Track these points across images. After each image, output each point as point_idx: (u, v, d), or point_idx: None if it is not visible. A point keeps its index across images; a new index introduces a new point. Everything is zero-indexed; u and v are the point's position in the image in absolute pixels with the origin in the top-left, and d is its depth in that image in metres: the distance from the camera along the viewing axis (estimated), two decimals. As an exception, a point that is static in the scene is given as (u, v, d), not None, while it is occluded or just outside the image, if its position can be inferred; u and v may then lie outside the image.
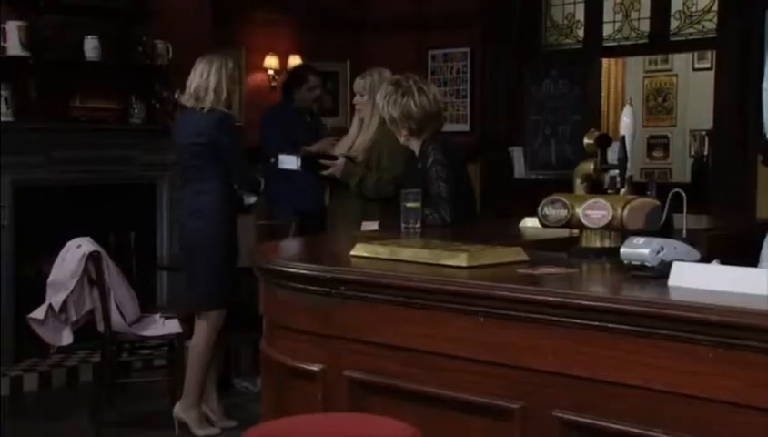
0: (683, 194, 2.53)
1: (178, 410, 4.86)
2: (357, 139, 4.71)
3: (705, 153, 8.04)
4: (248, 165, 5.06)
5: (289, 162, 4.86)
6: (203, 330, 4.81)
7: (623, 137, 2.82)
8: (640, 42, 7.47)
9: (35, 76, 6.09)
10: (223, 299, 4.82)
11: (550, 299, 2.19)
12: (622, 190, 2.78)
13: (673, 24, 7.20)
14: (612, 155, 2.82)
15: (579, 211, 2.62)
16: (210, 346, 4.83)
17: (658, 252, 2.29)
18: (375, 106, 4.40)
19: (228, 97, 4.79)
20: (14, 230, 6.07)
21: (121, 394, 5.43)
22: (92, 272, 4.79)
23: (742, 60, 6.39)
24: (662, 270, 2.26)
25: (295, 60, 8.02)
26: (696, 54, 9.21)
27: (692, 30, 7.16)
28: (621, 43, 7.57)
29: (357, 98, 4.74)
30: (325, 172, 4.61)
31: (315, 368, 2.66)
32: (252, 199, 4.91)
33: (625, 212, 2.53)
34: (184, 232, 4.96)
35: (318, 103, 6.43)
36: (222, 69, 4.76)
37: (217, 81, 4.74)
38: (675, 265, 2.22)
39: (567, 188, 2.89)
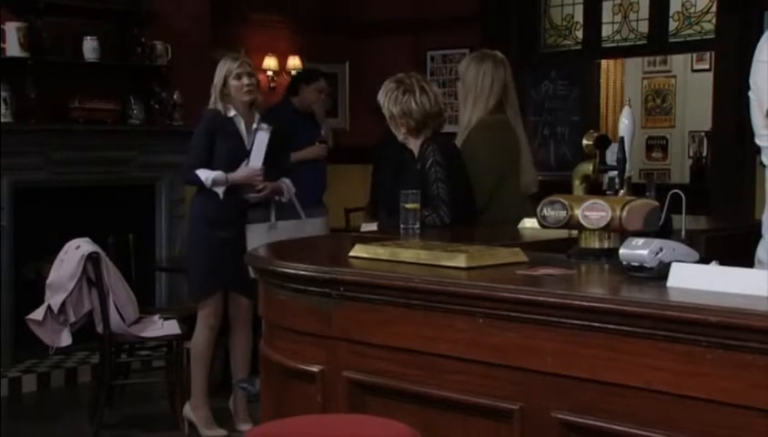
0: (682, 195, 2.52)
1: (187, 410, 4.86)
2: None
3: (704, 154, 8.06)
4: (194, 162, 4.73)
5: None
6: (197, 326, 4.81)
7: (622, 138, 2.81)
8: (638, 43, 7.48)
9: (34, 77, 6.08)
10: (200, 293, 4.79)
11: (550, 300, 2.18)
12: (621, 191, 2.77)
13: (672, 25, 7.21)
14: (611, 156, 2.82)
15: (578, 212, 2.62)
16: (208, 344, 4.80)
17: (657, 253, 2.28)
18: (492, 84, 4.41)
19: (229, 97, 4.74)
20: (13, 231, 6.07)
21: (120, 395, 5.44)
22: (91, 273, 4.79)
23: (740, 61, 6.38)
24: (661, 271, 2.25)
25: (294, 61, 8.01)
26: (695, 55, 9.23)
27: (690, 31, 7.17)
28: (619, 44, 7.58)
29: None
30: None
31: (314, 369, 2.66)
32: (251, 196, 4.80)
33: (624, 213, 2.53)
34: None
35: (320, 110, 6.37)
36: (222, 69, 4.73)
37: (217, 81, 4.75)
38: (674, 266, 2.22)
39: (566, 189, 2.89)
